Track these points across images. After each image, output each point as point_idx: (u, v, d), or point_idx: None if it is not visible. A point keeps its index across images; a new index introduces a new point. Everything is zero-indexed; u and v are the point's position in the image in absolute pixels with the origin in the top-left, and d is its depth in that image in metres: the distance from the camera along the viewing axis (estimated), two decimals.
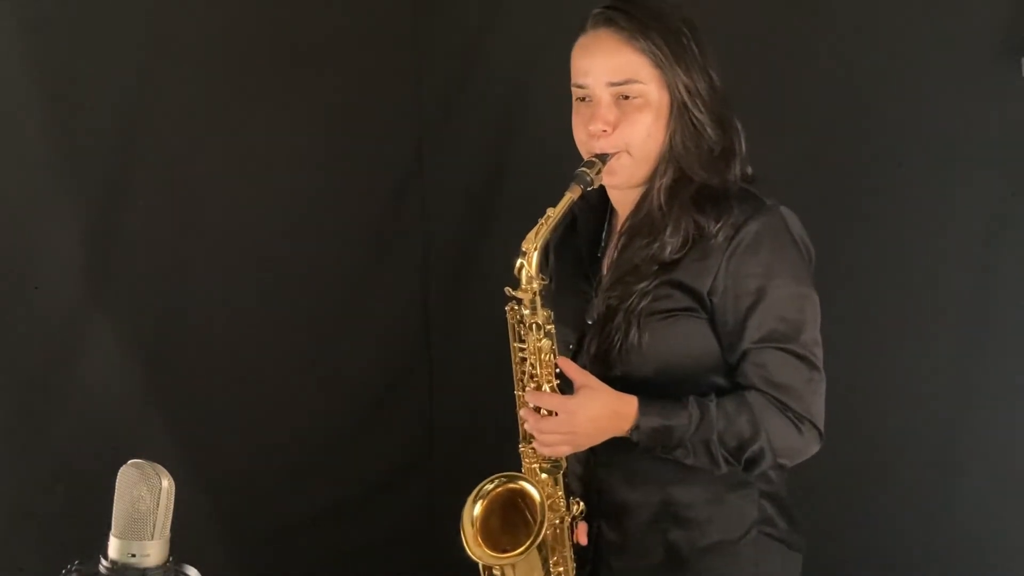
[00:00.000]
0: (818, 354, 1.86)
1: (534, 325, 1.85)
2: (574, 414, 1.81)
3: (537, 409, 1.85)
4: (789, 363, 1.83)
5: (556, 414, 1.83)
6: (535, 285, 1.82)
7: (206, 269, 3.01)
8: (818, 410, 1.85)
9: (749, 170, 1.92)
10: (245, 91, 3.02)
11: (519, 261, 1.81)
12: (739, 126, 1.91)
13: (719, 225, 1.82)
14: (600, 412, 1.82)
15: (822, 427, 1.85)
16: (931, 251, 2.70)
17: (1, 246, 2.67)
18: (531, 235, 1.81)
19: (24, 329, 2.72)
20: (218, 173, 3.00)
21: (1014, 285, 2.61)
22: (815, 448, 1.86)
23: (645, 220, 1.89)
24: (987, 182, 2.61)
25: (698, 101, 1.86)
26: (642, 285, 1.86)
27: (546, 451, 1.87)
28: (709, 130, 1.87)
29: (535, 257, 1.81)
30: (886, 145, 2.72)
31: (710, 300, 1.84)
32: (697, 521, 1.91)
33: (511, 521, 1.91)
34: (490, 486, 1.90)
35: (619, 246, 1.93)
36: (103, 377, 2.84)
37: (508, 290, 1.84)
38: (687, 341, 1.86)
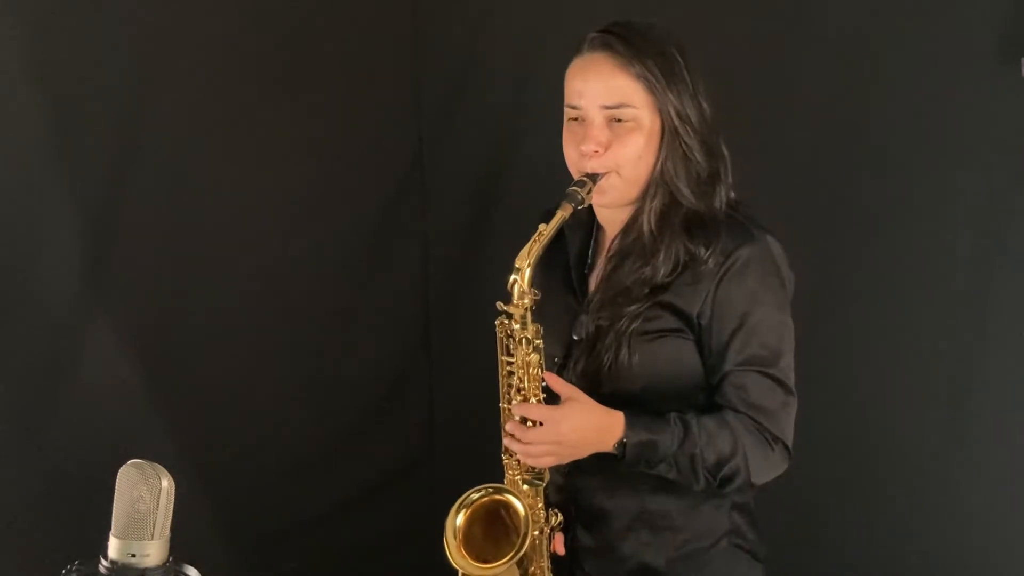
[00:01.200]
0: (792, 378, 1.91)
1: (524, 339, 1.88)
2: (559, 423, 1.84)
3: (524, 422, 1.87)
4: (767, 386, 1.88)
5: (542, 425, 1.85)
6: (527, 301, 1.86)
7: (206, 269, 3.01)
8: (790, 432, 1.91)
9: (732, 195, 1.96)
10: (245, 91, 3.02)
11: (512, 277, 1.84)
12: (726, 153, 1.95)
13: (709, 252, 1.87)
14: (586, 423, 1.85)
15: (791, 447, 1.91)
16: (931, 251, 2.70)
17: (1, 246, 2.67)
18: (524, 252, 1.84)
19: (24, 329, 2.72)
20: (218, 173, 3.00)
21: (1014, 285, 2.61)
22: (784, 467, 1.92)
23: (636, 243, 1.93)
24: (987, 182, 2.61)
25: (688, 127, 1.90)
26: (633, 308, 1.90)
27: (531, 462, 1.90)
28: (697, 155, 1.91)
29: (528, 274, 1.84)
30: (886, 145, 2.72)
31: (699, 322, 1.89)
32: (671, 529, 1.96)
33: (493, 531, 1.92)
34: (476, 496, 1.92)
35: (609, 267, 1.97)
36: (103, 377, 2.84)
37: (500, 305, 1.87)
38: (675, 361, 1.91)
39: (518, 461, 1.92)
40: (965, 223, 2.65)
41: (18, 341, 2.71)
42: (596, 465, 1.92)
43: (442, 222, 3.43)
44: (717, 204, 1.92)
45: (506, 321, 1.90)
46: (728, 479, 1.87)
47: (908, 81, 2.67)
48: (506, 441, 1.90)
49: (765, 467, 1.89)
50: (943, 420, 2.72)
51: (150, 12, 2.83)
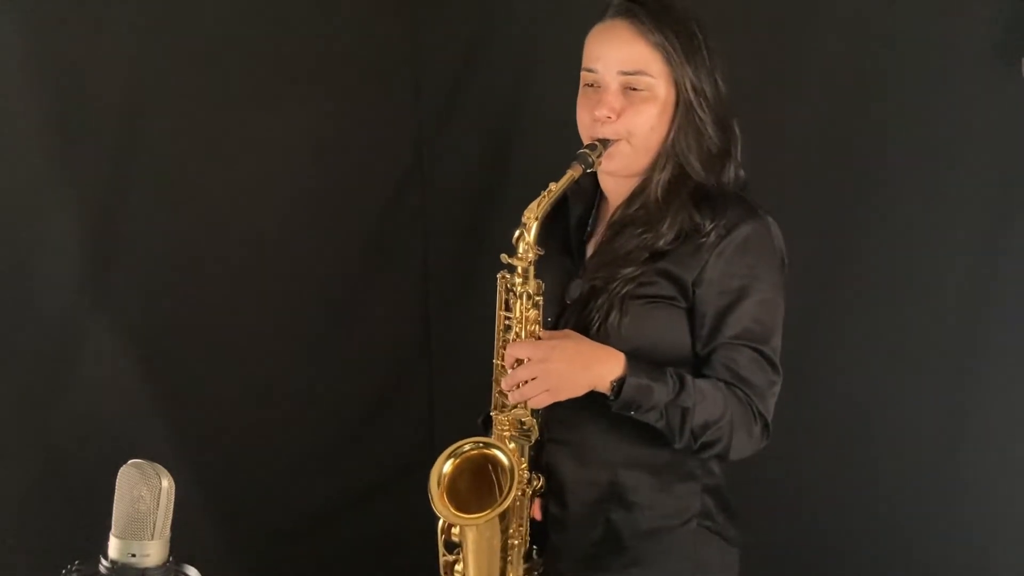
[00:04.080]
0: (778, 360, 1.93)
1: (525, 294, 1.89)
2: (548, 353, 1.83)
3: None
4: (757, 362, 1.90)
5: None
6: (531, 255, 1.87)
7: (206, 269, 3.01)
8: (771, 411, 1.92)
9: (742, 173, 1.98)
10: (245, 91, 3.02)
11: (518, 231, 1.86)
12: (737, 131, 1.97)
13: (713, 224, 1.88)
14: (576, 351, 1.85)
15: (771, 428, 1.92)
16: (930, 252, 2.70)
17: (1, 246, 2.67)
18: (533, 206, 1.86)
19: (24, 329, 2.72)
20: (218, 173, 3.00)
21: (1014, 285, 2.61)
22: (761, 447, 1.92)
23: (640, 212, 1.94)
24: (987, 182, 2.61)
25: (703, 101, 1.92)
26: (629, 270, 1.90)
27: (532, 401, 1.85)
28: (710, 129, 1.93)
29: (535, 228, 1.85)
30: (885, 145, 2.72)
31: (694, 291, 1.89)
32: (640, 505, 1.95)
33: (478, 487, 1.92)
34: (467, 447, 1.92)
35: (610, 234, 1.97)
36: (103, 377, 2.84)
37: (504, 257, 1.88)
38: (664, 328, 1.91)
39: (507, 417, 1.92)
40: (964, 223, 2.65)
41: (18, 341, 2.71)
42: (570, 436, 1.95)
43: (442, 222, 3.43)
44: (726, 180, 1.95)
45: (508, 275, 1.91)
46: (709, 444, 1.87)
47: (908, 81, 2.67)
48: (504, 387, 1.88)
49: (746, 441, 1.89)
50: (943, 418, 2.72)
51: (150, 12, 2.83)
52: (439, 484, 1.89)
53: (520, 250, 1.87)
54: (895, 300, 2.75)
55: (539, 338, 1.89)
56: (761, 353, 1.89)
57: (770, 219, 1.93)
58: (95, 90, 2.76)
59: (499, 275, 1.92)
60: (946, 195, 2.66)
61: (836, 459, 2.80)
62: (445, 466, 1.90)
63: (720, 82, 1.94)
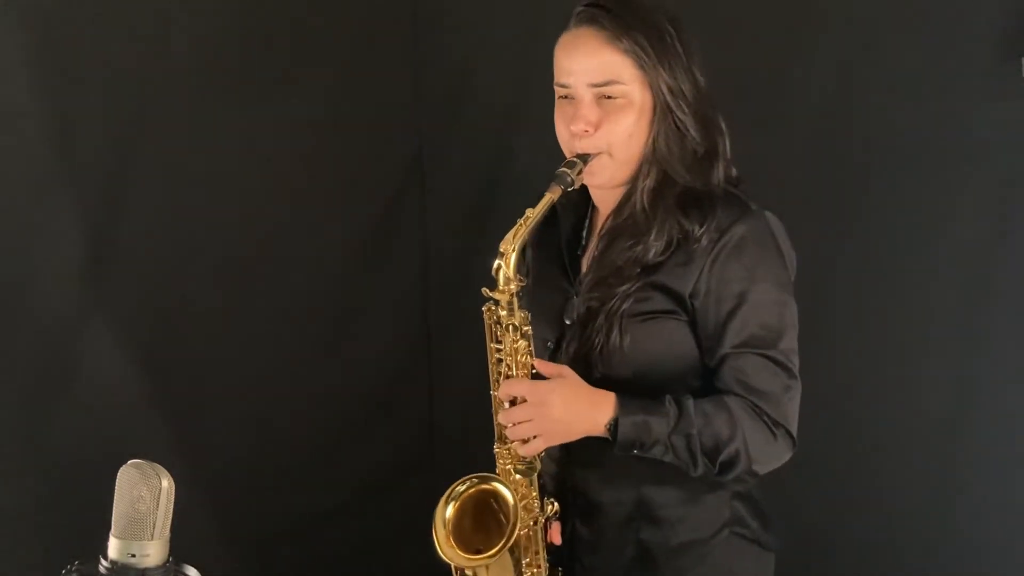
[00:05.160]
0: (795, 362, 1.85)
1: (511, 326, 1.85)
2: (546, 396, 1.80)
3: (512, 404, 1.84)
4: (768, 369, 1.82)
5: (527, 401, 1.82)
6: (513, 286, 1.82)
7: (205, 269, 3.01)
8: (793, 417, 1.84)
9: (734, 172, 1.91)
10: (244, 92, 3.02)
11: (496, 262, 1.81)
12: (723, 127, 1.90)
13: (703, 228, 1.81)
14: (573, 397, 1.81)
15: (795, 435, 1.84)
16: (930, 251, 2.70)
17: (1, 246, 2.66)
18: (509, 236, 1.81)
19: (24, 329, 2.72)
20: (217, 175, 2.99)
21: (1014, 286, 2.61)
22: (788, 455, 1.85)
23: (628, 222, 1.88)
24: (987, 182, 2.61)
25: (681, 102, 1.84)
26: (624, 287, 1.85)
27: (522, 450, 1.84)
28: (692, 131, 1.86)
29: (513, 258, 1.80)
30: (886, 145, 2.72)
31: (692, 303, 1.83)
32: (670, 521, 1.91)
33: (484, 522, 1.89)
34: (462, 487, 1.89)
35: (601, 247, 1.92)
36: (103, 377, 2.84)
37: (485, 291, 1.83)
38: (668, 343, 1.86)
39: (509, 450, 1.88)
40: (965, 222, 2.65)
41: (18, 341, 2.71)
42: (593, 457, 1.89)
43: (442, 222, 3.43)
44: (715, 180, 1.87)
45: (493, 308, 1.86)
46: (728, 465, 1.80)
47: (907, 80, 2.67)
48: (500, 421, 1.86)
49: (767, 453, 1.82)
50: (944, 416, 2.72)
51: (150, 12, 2.83)
52: (444, 528, 1.85)
53: (501, 282, 1.81)
54: (894, 299, 2.75)
55: (533, 367, 1.85)
56: (770, 358, 1.81)
57: (767, 213, 1.85)
58: (95, 91, 2.76)
59: (485, 308, 1.87)
60: (946, 194, 2.66)
61: (834, 456, 2.80)
62: (447, 511, 1.86)
63: (699, 77, 1.86)
